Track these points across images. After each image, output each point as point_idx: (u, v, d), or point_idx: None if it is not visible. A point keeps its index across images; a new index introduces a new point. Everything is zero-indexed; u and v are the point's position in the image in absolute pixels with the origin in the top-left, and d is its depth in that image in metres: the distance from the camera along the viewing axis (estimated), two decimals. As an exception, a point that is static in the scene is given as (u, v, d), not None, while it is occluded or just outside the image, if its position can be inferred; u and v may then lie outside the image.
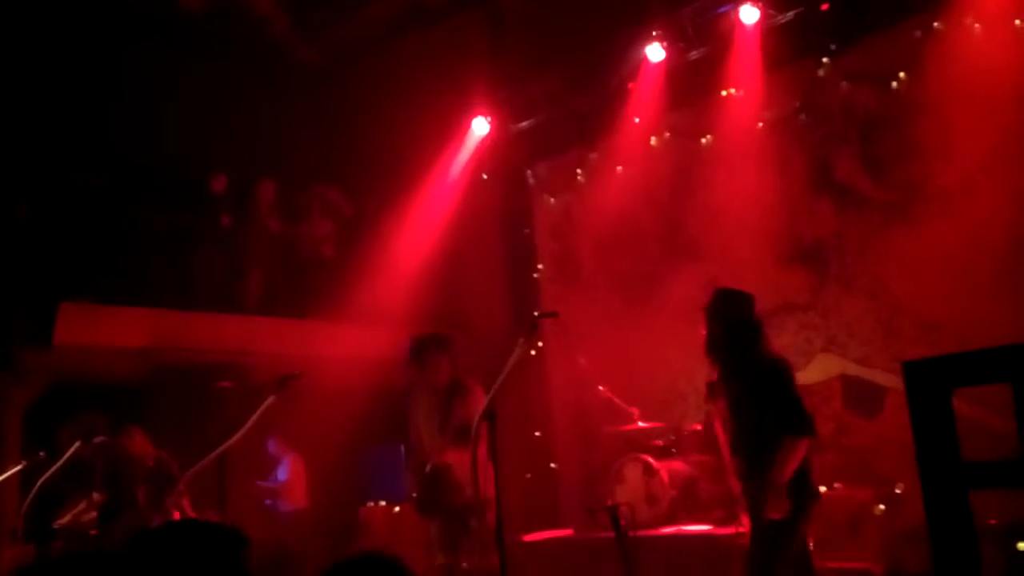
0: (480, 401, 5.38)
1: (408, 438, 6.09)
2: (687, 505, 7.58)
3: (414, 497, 5.89)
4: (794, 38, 8.63)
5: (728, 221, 9.02)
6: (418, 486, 5.80)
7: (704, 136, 9.45)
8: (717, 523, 7.04)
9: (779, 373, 4.68)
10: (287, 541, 9.34)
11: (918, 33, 8.09)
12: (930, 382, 1.73)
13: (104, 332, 8.68)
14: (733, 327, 4.76)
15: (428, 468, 5.70)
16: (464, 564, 5.64)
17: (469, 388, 5.74)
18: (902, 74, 8.19)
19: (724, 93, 9.15)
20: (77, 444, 6.40)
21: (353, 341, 9.51)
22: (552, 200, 10.90)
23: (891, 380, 7.92)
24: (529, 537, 8.17)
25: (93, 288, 8.59)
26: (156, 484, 6.74)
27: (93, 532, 6.54)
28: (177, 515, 6.38)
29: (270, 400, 5.05)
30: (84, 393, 8.51)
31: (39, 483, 6.15)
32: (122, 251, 9.04)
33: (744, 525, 4.76)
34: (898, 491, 7.11)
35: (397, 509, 9.32)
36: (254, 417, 5.02)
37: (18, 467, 6.55)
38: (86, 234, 8.72)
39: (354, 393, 9.00)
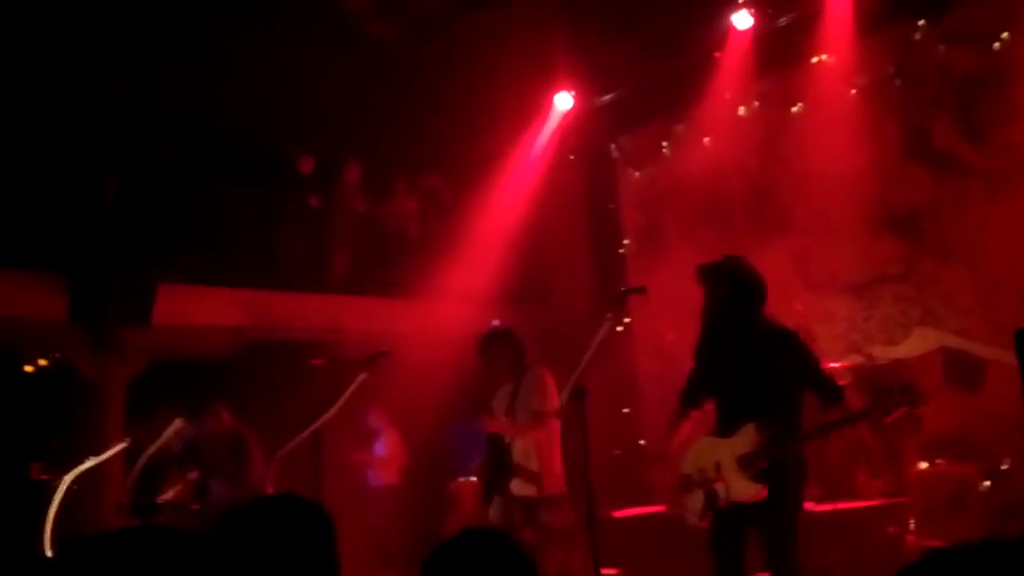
0: (544, 382, 5.61)
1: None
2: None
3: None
4: (888, 0, 8.33)
5: (819, 191, 8.80)
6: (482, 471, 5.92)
7: (794, 104, 9.21)
8: (814, 500, 6.89)
9: (800, 339, 4.55)
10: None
11: (1022, -10, 7.76)
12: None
13: (199, 311, 8.92)
14: (742, 288, 4.54)
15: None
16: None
17: (534, 373, 5.78)
18: (1005, 34, 7.85)
19: (815, 60, 8.90)
20: (178, 422, 6.58)
21: (440, 318, 9.55)
22: (637, 174, 10.77)
23: (993, 352, 7.64)
24: (619, 513, 8.15)
25: (187, 268, 8.81)
26: (237, 460, 6.98)
27: (194, 507, 6.76)
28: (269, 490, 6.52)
29: (362, 377, 5.14)
30: (181, 371, 8.76)
31: (142, 460, 6.35)
32: (213, 232, 9.24)
33: None
34: (1004, 467, 6.88)
35: (486, 485, 9.33)
36: (347, 394, 5.12)
37: (122, 444, 6.75)
38: (178, 214, 8.92)
39: (441, 369, 9.05)
